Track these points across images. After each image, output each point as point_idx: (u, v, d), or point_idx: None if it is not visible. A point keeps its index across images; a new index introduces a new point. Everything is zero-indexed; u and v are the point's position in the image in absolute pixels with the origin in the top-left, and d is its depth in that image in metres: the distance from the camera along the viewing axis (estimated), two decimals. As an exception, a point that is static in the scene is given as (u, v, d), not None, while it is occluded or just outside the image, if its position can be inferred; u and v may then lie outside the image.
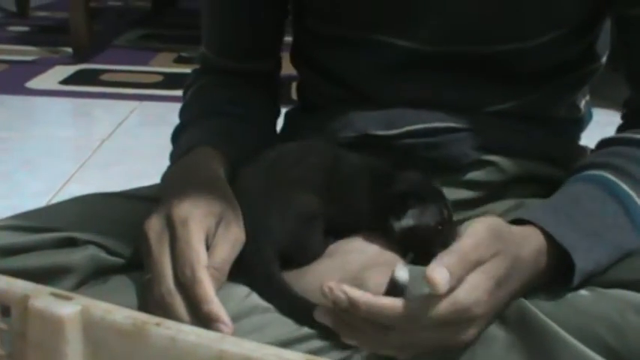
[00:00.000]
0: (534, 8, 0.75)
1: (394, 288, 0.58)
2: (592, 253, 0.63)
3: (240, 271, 0.66)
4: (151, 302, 0.62)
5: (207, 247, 0.63)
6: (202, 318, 0.59)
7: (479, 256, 0.57)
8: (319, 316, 0.59)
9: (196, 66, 0.94)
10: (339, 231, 0.73)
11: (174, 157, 0.79)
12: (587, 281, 0.63)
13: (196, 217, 0.63)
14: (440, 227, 0.68)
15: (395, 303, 0.56)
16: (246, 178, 0.72)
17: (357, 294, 0.55)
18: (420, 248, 0.70)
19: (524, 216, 0.64)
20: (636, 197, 0.68)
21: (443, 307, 0.55)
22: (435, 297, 0.55)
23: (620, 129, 0.79)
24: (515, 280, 0.60)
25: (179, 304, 0.60)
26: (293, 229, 0.69)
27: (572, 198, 0.69)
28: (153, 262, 0.62)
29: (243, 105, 0.85)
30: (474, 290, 0.56)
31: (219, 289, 0.61)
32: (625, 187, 0.69)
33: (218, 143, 0.77)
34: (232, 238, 0.64)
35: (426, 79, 0.79)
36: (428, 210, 0.69)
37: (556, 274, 0.63)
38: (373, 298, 0.56)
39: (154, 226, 0.64)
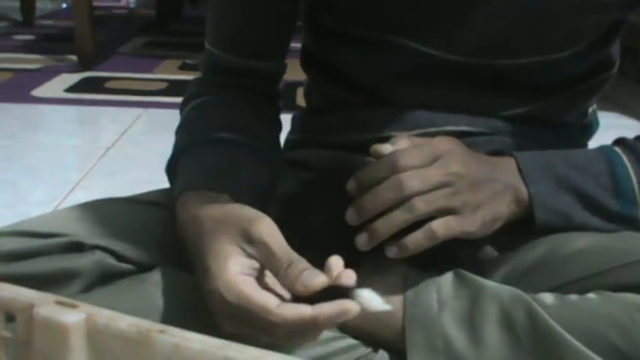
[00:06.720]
0: (559, 27, 0.75)
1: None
2: (554, 191, 0.69)
3: None
4: None
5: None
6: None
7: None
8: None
9: (197, 74, 0.88)
10: None
11: (171, 197, 0.72)
12: (558, 229, 0.70)
13: (238, 281, 0.57)
14: None
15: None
16: None
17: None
18: None
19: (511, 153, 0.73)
20: (632, 171, 0.71)
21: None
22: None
23: None
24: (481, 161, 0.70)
25: None
26: None
27: (565, 152, 0.75)
28: None
29: (241, 128, 0.79)
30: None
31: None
32: (624, 157, 0.72)
33: (212, 183, 0.69)
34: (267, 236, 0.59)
35: (443, 85, 0.79)
36: None
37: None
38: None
39: (221, 312, 0.58)
